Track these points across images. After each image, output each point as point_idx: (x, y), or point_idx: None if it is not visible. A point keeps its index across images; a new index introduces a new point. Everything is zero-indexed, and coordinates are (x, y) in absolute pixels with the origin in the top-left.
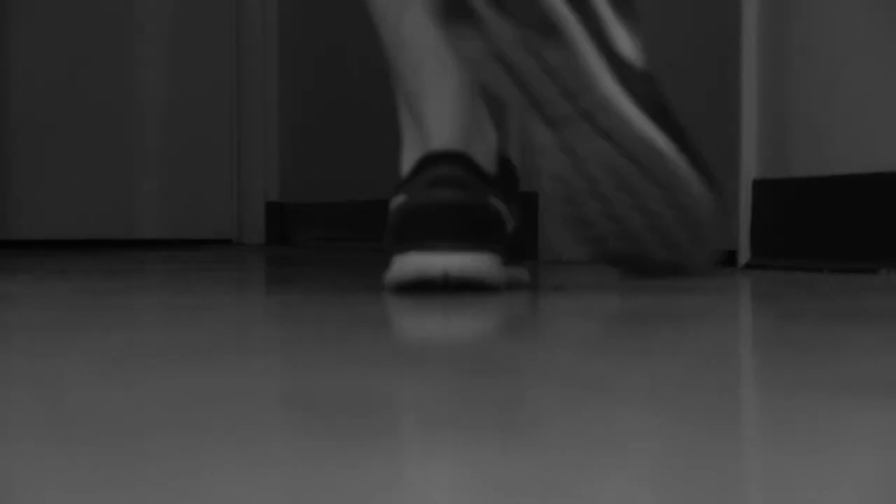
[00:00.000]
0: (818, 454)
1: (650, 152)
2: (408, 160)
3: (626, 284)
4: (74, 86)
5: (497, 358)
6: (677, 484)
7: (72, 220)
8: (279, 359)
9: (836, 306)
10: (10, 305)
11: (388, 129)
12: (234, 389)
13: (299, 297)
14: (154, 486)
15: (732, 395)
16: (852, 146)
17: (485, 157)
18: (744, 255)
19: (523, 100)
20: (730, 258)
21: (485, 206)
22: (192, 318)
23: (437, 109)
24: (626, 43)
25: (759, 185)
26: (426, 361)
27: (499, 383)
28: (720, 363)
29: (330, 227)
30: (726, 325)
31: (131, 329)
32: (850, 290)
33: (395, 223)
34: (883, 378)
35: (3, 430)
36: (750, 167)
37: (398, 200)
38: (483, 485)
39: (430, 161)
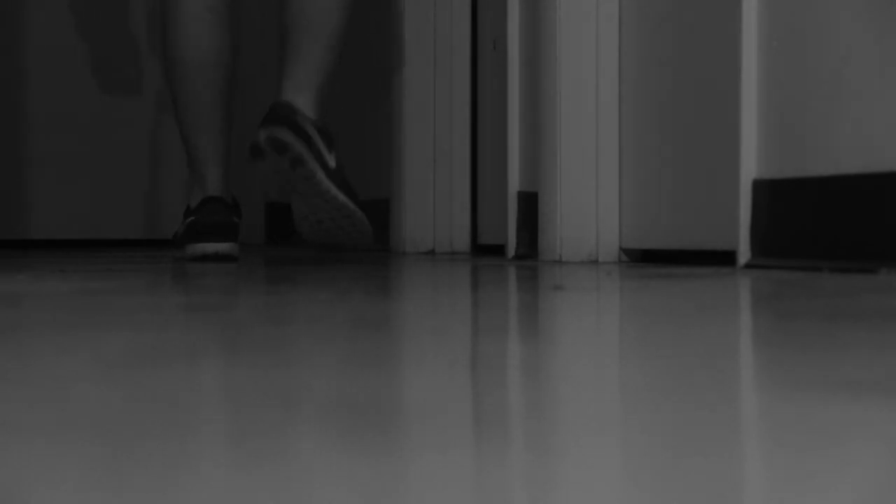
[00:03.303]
0: (818, 453)
1: (343, 207)
2: (195, 197)
3: (627, 285)
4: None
5: (492, 358)
6: (677, 482)
7: (73, 220)
8: (279, 359)
9: (836, 306)
10: (11, 305)
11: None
12: (233, 389)
13: (299, 297)
14: (153, 485)
15: (732, 394)
16: (852, 146)
17: (230, 194)
18: (744, 255)
19: (290, 188)
20: (730, 258)
21: (233, 223)
22: (192, 318)
23: (210, 167)
24: (330, 159)
25: (759, 185)
26: (425, 361)
27: (497, 383)
28: (720, 362)
29: None
30: (726, 325)
31: (130, 330)
32: (850, 290)
33: (190, 229)
34: (883, 378)
35: (4, 429)
36: (750, 167)
37: (191, 219)
38: (488, 482)
39: (207, 200)
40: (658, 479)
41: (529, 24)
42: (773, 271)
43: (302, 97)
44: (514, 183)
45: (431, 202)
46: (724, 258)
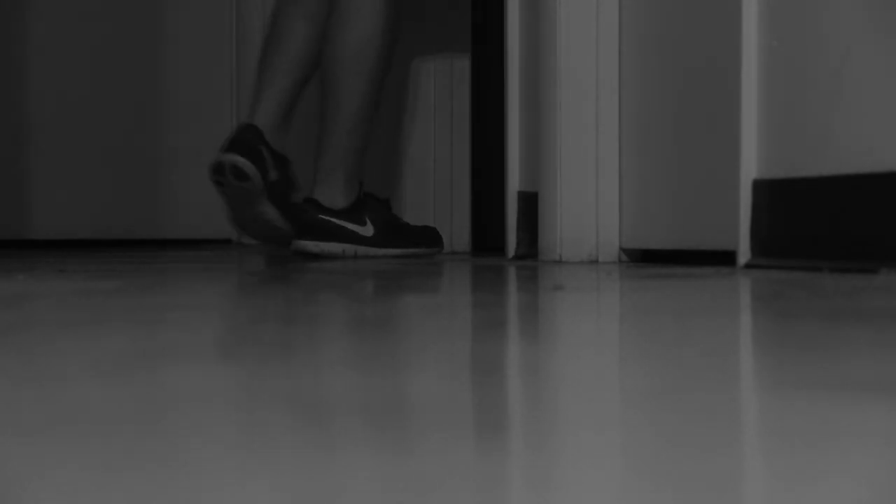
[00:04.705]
0: (818, 453)
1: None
2: None
3: (627, 285)
4: (82, 91)
5: (493, 358)
6: (678, 482)
7: (73, 220)
8: (279, 359)
9: (836, 306)
10: (11, 305)
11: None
12: (234, 389)
13: (299, 297)
14: (154, 485)
15: (732, 394)
16: (852, 146)
17: (278, 140)
18: (744, 255)
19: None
20: (730, 258)
21: (256, 146)
22: (192, 318)
23: (265, 99)
24: (366, 229)
25: (759, 185)
26: (425, 361)
27: (497, 382)
28: (720, 362)
29: None
30: (726, 325)
31: (131, 329)
32: (850, 290)
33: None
34: (883, 378)
35: (3, 429)
36: (750, 167)
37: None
38: (489, 480)
39: (242, 126)
40: (658, 479)
41: (529, 24)
42: (773, 271)
43: (328, 187)
44: (514, 183)
45: (432, 202)
46: (724, 258)
